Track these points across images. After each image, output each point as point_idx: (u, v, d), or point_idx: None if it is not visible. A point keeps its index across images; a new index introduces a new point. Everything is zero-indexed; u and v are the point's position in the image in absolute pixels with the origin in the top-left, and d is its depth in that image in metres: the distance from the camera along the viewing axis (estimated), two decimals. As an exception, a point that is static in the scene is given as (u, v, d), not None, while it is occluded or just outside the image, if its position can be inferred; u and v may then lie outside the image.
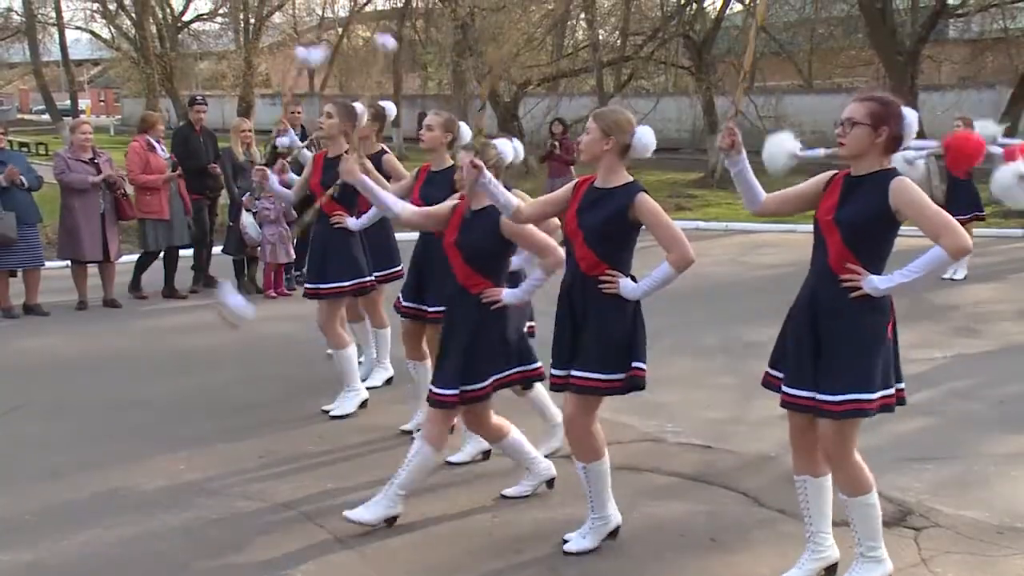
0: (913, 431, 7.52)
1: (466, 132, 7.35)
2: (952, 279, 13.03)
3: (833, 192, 4.92)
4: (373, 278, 7.93)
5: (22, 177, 11.36)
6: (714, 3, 29.01)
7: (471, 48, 29.85)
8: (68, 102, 48.37)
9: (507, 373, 5.82)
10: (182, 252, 12.72)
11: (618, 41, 29.60)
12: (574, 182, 5.59)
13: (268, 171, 8.15)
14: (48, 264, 12.23)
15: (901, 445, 7.21)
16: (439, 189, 7.02)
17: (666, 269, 5.13)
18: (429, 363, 7.04)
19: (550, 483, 6.25)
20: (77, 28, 46.56)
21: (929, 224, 4.66)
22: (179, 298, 12.58)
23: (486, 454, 6.96)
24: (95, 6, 43.05)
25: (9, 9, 46.28)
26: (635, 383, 5.32)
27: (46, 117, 49.22)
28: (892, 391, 4.82)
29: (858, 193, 4.80)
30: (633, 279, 5.25)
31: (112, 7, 41.97)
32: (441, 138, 7.37)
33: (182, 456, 7.01)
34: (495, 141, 6.06)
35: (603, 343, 5.24)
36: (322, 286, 7.72)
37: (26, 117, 54.08)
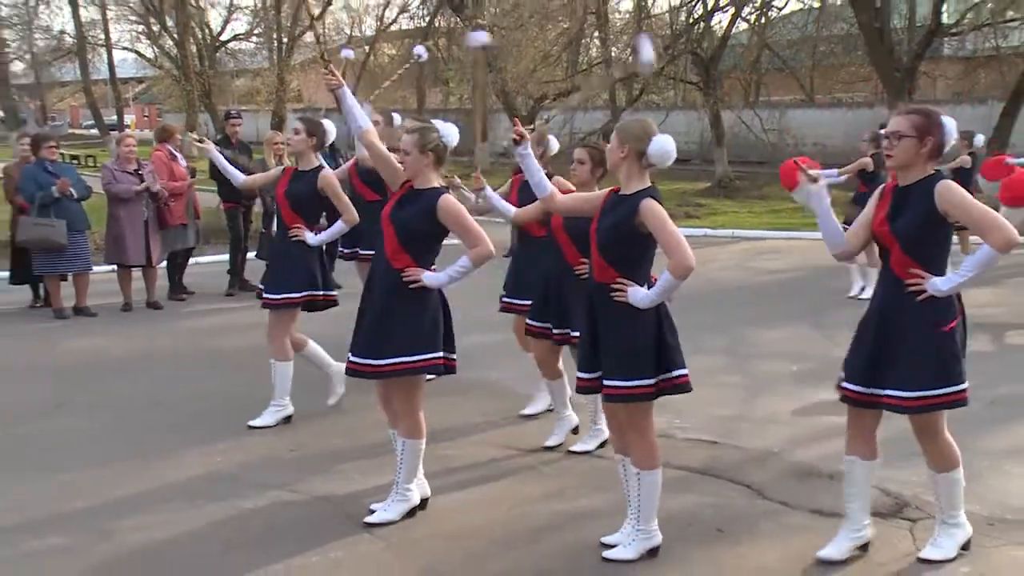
0: (910, 427, 7.49)
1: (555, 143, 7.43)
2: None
3: (884, 204, 5.00)
4: (322, 294, 7.56)
5: (72, 188, 11.46)
6: (720, 22, 28.96)
7: (491, 64, 29.91)
8: (115, 117, 48.82)
9: (412, 359, 5.60)
10: (217, 257, 12.81)
11: (630, 58, 29.52)
12: (607, 190, 5.40)
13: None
14: (95, 268, 12.33)
15: (898, 441, 7.13)
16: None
17: (666, 277, 4.90)
18: (564, 380, 7.03)
19: (423, 503, 5.91)
20: (124, 49, 47.36)
21: (976, 223, 4.80)
22: (181, 300, 12.77)
23: (575, 430, 7.13)
24: (140, 28, 44.27)
25: (62, 32, 47.70)
26: (672, 391, 5.20)
27: (95, 131, 49.51)
28: (963, 387, 4.95)
29: (908, 202, 4.89)
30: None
31: (156, 28, 42.88)
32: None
33: (219, 449, 7.05)
34: (437, 123, 5.86)
35: (621, 351, 5.05)
36: (273, 297, 7.43)
37: (76, 132, 54.29)
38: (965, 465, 6.58)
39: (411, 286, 5.57)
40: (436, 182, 5.70)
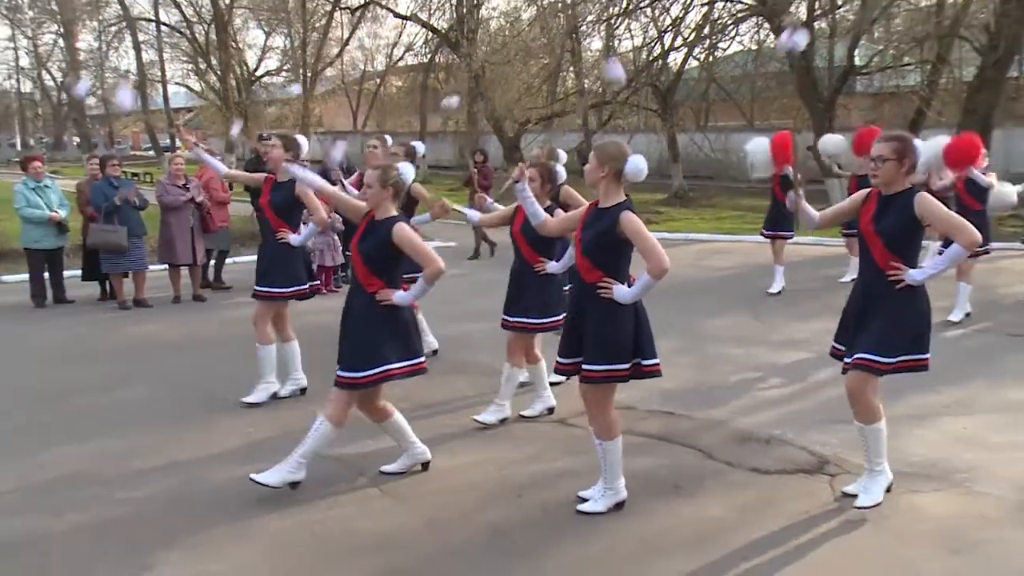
0: (830, 398, 7.51)
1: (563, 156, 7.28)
2: (844, 281, 12.99)
3: (870, 207, 5.19)
4: (308, 286, 7.49)
5: (135, 197, 11.70)
6: (675, 60, 29.02)
7: (482, 94, 29.91)
8: (168, 140, 49.05)
9: (397, 366, 5.51)
10: (251, 257, 12.81)
11: (600, 89, 29.56)
12: (587, 204, 5.42)
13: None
14: (150, 267, 12.42)
15: (821, 409, 7.22)
16: (284, 194, 7.18)
17: (645, 277, 4.92)
18: (543, 365, 7.05)
19: (424, 465, 5.92)
20: (176, 83, 48.25)
21: (946, 226, 5.06)
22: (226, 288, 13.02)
23: (550, 410, 7.10)
24: (190, 66, 45.22)
25: (127, 71, 48.91)
26: (644, 376, 5.17)
27: (151, 153, 50.23)
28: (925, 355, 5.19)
29: (891, 208, 5.08)
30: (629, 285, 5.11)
31: (202, 67, 43.53)
32: (284, 156, 7.14)
33: (251, 420, 7.06)
34: (399, 165, 5.86)
35: (603, 340, 5.03)
36: (265, 290, 7.35)
37: (137, 153, 54.75)
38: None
39: (382, 304, 5.47)
40: (392, 212, 5.60)
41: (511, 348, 6.95)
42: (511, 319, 6.89)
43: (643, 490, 5.56)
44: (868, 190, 5.29)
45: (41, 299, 11.82)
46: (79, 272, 12.38)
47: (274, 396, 7.52)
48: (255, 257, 8.19)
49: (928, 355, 5.21)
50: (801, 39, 5.69)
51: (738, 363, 8.65)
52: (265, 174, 7.62)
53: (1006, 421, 6.93)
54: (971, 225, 5.06)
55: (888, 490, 5.29)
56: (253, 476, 5.41)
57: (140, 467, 6.13)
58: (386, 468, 5.87)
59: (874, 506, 5.18)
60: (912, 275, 5.02)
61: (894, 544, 4.88)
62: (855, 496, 5.29)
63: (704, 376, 8.20)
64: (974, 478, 5.73)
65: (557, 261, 6.72)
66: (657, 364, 5.19)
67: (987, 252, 10.27)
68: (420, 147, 8.68)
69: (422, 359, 5.66)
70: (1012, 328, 9.99)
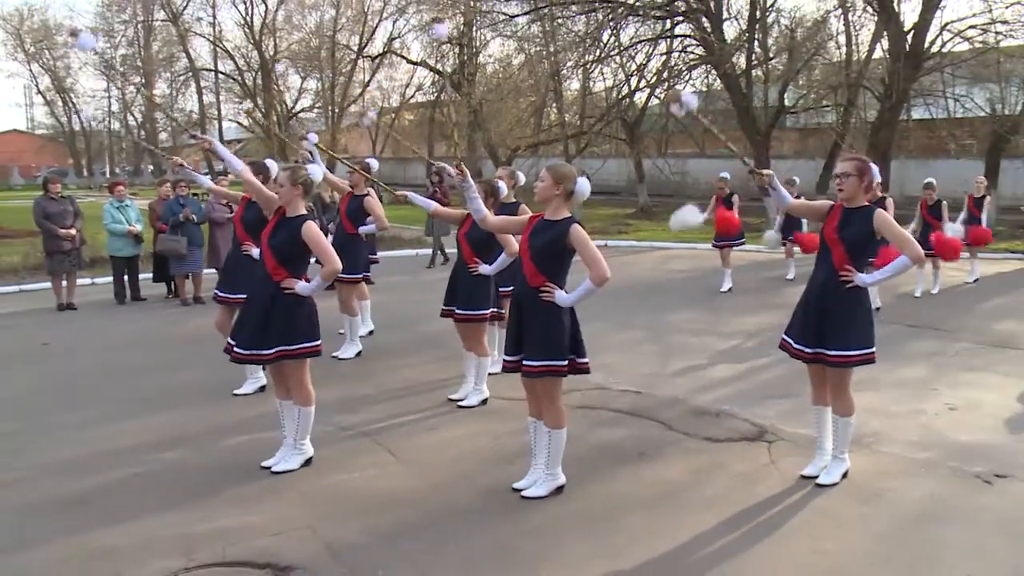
0: (770, 378, 7.53)
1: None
2: (788, 279, 13.02)
3: (834, 217, 5.04)
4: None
5: (192, 215, 11.81)
6: (641, 98, 29.04)
7: (480, 126, 29.88)
8: (221, 167, 49.48)
9: (295, 347, 5.21)
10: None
11: (578, 121, 29.53)
12: (530, 215, 5.10)
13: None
14: (207, 271, 12.36)
15: (763, 387, 7.21)
16: (255, 215, 6.70)
17: (587, 284, 4.64)
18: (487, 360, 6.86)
19: (307, 461, 5.42)
20: (228, 120, 49.13)
21: (898, 240, 4.93)
22: None
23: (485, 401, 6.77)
24: (240, 106, 46.55)
25: (191, 111, 50.89)
26: (580, 371, 4.85)
27: (209, 176, 51.08)
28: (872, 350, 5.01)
29: (852, 220, 4.96)
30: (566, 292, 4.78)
31: (250, 106, 44.70)
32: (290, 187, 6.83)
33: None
34: (308, 166, 5.52)
35: (544, 338, 4.71)
36: (230, 296, 7.04)
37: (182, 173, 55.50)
38: (802, 404, 6.62)
39: (286, 292, 5.16)
40: (302, 210, 5.27)
41: (465, 337, 6.77)
42: (448, 308, 6.74)
43: (614, 457, 5.54)
44: (832, 203, 5.15)
45: (122, 297, 11.87)
46: (151, 275, 12.40)
47: (262, 389, 7.15)
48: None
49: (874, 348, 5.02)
50: (691, 101, 5.54)
51: (694, 350, 8.63)
52: (241, 195, 7.32)
53: (903, 394, 6.96)
54: (916, 243, 4.96)
55: (845, 475, 5.11)
56: (266, 462, 5.34)
57: (195, 433, 6.10)
58: (274, 466, 5.37)
59: (832, 484, 5.01)
60: (862, 278, 4.90)
61: (817, 496, 4.89)
62: (813, 477, 5.12)
63: (666, 361, 8.17)
64: (878, 441, 5.77)
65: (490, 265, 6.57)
66: (587, 362, 4.87)
67: None
68: (374, 163, 8.43)
69: (318, 343, 5.31)
70: (910, 320, 10.01)
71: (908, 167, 25.94)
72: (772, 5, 25.70)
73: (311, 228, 5.18)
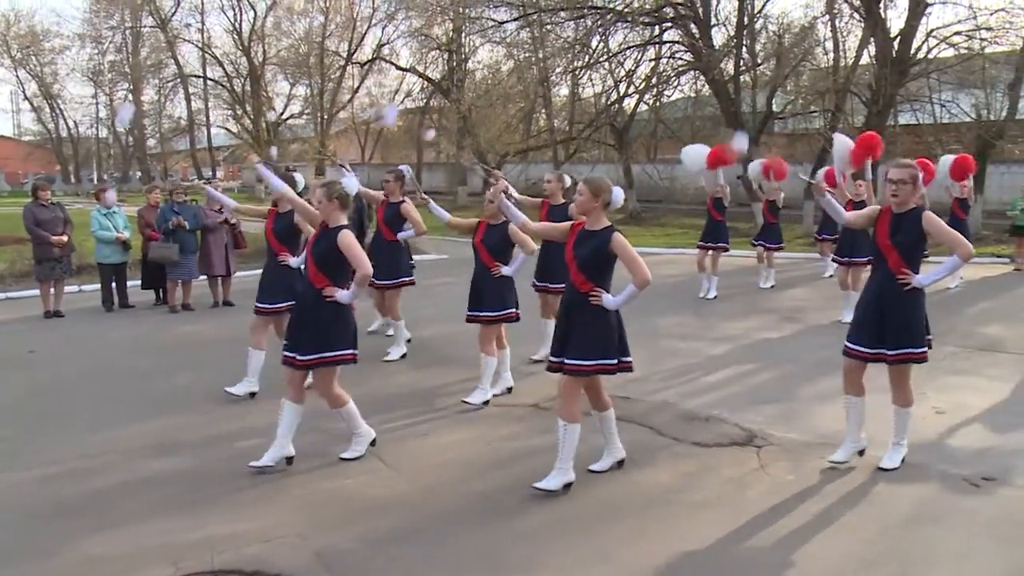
0: (759, 382, 7.57)
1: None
2: (761, 287, 13.06)
3: (884, 223, 5.23)
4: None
5: (185, 223, 11.67)
6: (629, 104, 29.14)
7: (469, 132, 29.91)
8: (210, 173, 49.53)
9: (331, 354, 5.37)
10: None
11: (567, 126, 29.63)
12: (571, 223, 5.25)
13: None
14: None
15: (751, 392, 7.23)
16: (284, 225, 7.00)
17: (631, 288, 4.89)
18: (507, 351, 7.14)
19: (372, 442, 5.74)
20: (218, 126, 49.46)
21: (948, 240, 5.11)
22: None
23: (509, 389, 7.14)
24: (229, 112, 46.33)
25: (179, 117, 50.94)
26: (624, 370, 5.09)
27: (196, 182, 51.07)
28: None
29: (903, 225, 5.14)
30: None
31: (239, 111, 44.68)
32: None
33: (276, 404, 6.91)
34: (342, 180, 5.81)
35: (596, 339, 4.95)
36: (269, 306, 7.09)
37: (185, 182, 55.35)
38: (791, 409, 6.70)
39: (328, 299, 5.33)
40: (342, 220, 5.44)
41: (482, 340, 6.90)
42: (475, 313, 6.89)
43: (605, 461, 5.54)
44: (879, 208, 5.31)
45: (110, 304, 11.81)
46: (139, 282, 12.30)
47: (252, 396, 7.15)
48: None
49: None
50: (742, 141, 5.78)
51: (683, 355, 8.65)
52: (268, 208, 7.41)
53: (889, 399, 6.96)
54: (968, 242, 5.16)
55: (903, 460, 5.38)
56: (252, 463, 5.35)
57: (185, 440, 6.07)
58: (345, 455, 5.63)
59: (894, 469, 5.28)
60: (919, 279, 5.10)
61: (806, 499, 4.91)
62: (841, 463, 5.36)
63: (655, 366, 8.18)
64: (869, 445, 5.72)
65: (510, 267, 6.85)
66: (631, 361, 5.12)
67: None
68: (406, 170, 8.75)
69: (351, 351, 5.46)
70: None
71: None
72: (760, 11, 25.85)
73: (345, 236, 5.35)
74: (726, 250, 12.68)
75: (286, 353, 5.46)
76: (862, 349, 5.27)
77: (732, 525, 4.58)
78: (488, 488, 5.15)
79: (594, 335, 4.96)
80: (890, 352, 5.17)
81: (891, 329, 5.15)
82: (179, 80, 47.29)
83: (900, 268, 5.11)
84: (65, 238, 11.25)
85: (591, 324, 4.96)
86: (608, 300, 4.97)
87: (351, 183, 6.01)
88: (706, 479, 5.26)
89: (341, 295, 5.36)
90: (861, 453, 5.48)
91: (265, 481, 5.29)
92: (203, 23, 45.80)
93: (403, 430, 6.25)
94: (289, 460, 5.50)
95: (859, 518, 4.66)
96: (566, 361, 4.99)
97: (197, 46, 45.97)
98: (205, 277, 12.16)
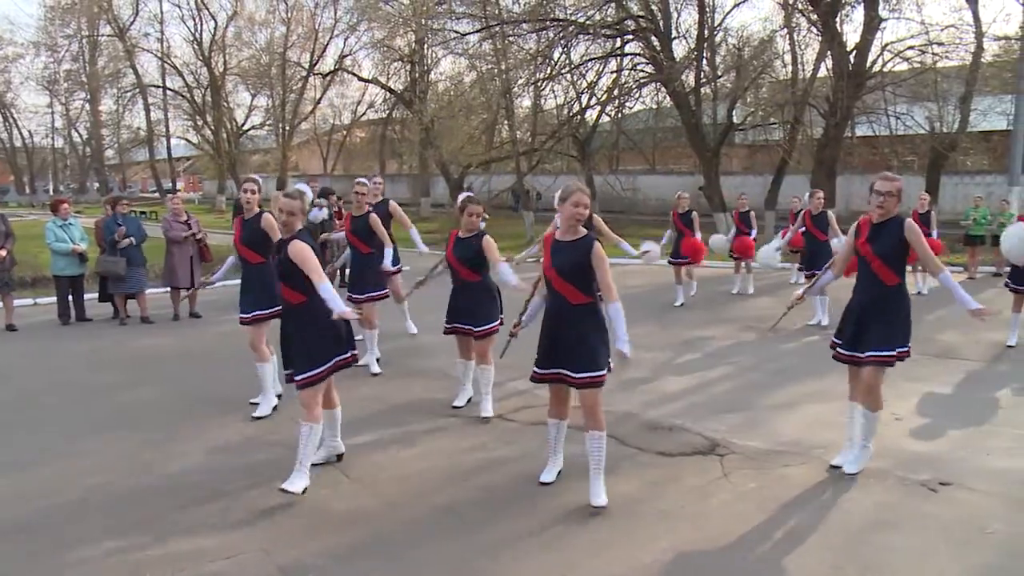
0: (721, 391, 7.62)
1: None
2: (735, 293, 13.20)
3: (862, 234, 5.34)
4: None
5: (130, 238, 11.55)
6: (591, 116, 29.35)
7: (432, 143, 29.88)
8: (170, 183, 48.90)
9: (342, 357, 5.33)
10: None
11: (530, 138, 29.72)
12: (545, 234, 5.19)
13: None
14: (157, 290, 12.44)
15: (714, 401, 7.29)
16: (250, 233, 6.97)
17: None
18: (473, 364, 6.96)
19: (339, 457, 5.76)
20: (178, 137, 48.95)
21: (922, 255, 5.29)
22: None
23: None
24: (189, 123, 45.80)
25: (138, 128, 50.01)
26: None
27: (156, 194, 50.34)
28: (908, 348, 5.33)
29: (883, 233, 5.26)
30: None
31: (199, 123, 44.33)
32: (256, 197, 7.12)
33: (240, 417, 6.87)
34: (300, 186, 5.64)
35: (594, 352, 4.96)
36: (250, 314, 6.93)
37: (145, 195, 54.53)
38: (753, 417, 6.76)
39: (302, 312, 5.19)
40: (298, 226, 5.28)
41: (479, 352, 6.77)
42: (449, 325, 6.80)
43: (570, 473, 5.54)
44: (857, 223, 5.44)
45: (66, 318, 11.61)
46: (97, 295, 12.10)
47: (275, 409, 7.05)
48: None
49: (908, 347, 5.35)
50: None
51: (647, 365, 8.68)
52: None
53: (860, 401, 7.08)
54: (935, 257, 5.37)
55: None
56: (282, 486, 5.08)
57: (146, 456, 5.97)
58: (316, 460, 5.48)
59: (857, 473, 5.39)
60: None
61: (769, 507, 4.95)
62: (839, 467, 5.51)
63: (619, 376, 8.18)
64: (829, 452, 5.84)
65: (481, 277, 6.70)
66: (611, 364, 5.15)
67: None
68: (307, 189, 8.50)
69: (353, 352, 5.40)
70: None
71: (853, 182, 26.66)
72: (720, 24, 26.24)
73: (299, 247, 5.16)
74: (698, 263, 12.88)
75: (286, 372, 5.35)
76: (843, 352, 5.44)
77: (696, 534, 4.61)
78: (452, 501, 5.13)
79: (593, 347, 4.96)
80: (862, 355, 5.29)
81: (868, 333, 5.26)
82: (138, 90, 46.64)
83: (882, 272, 5.25)
84: (3, 252, 10.95)
85: (591, 337, 4.97)
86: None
87: (317, 215, 6.00)
88: (670, 488, 5.29)
89: (337, 308, 5.01)
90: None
91: (228, 496, 5.22)
92: (162, 33, 45.09)
93: (364, 443, 6.21)
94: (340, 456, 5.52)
95: (821, 525, 4.71)
96: (572, 374, 4.96)
97: (156, 56, 45.41)
98: (169, 288, 12.06)
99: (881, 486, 5.27)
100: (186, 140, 47.87)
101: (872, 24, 21.85)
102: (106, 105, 50.46)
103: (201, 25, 43.88)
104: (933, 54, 22.26)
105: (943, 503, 5.00)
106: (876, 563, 4.26)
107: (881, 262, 5.25)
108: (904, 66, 23.14)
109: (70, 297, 11.68)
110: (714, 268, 16.32)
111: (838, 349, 5.50)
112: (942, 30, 22.14)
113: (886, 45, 22.63)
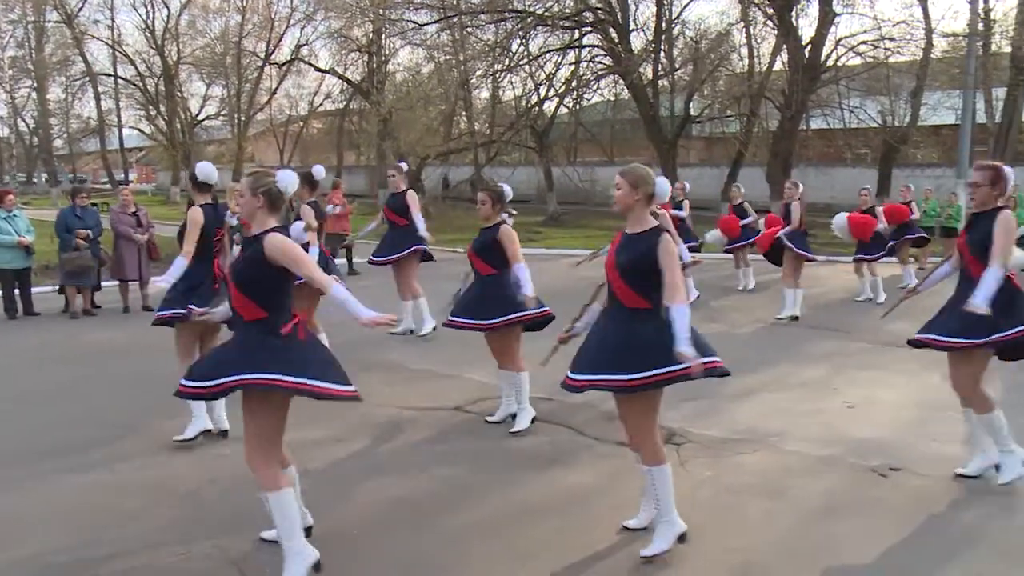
0: (683, 384, 7.65)
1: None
2: (740, 289, 13.33)
3: (967, 226, 5.07)
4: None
5: (89, 233, 11.41)
6: (550, 107, 29.38)
7: (390, 134, 29.72)
8: (122, 175, 47.95)
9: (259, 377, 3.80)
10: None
11: (488, 129, 29.70)
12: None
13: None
14: (107, 283, 12.17)
15: (671, 390, 7.21)
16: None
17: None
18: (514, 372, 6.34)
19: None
20: (130, 127, 47.60)
21: (994, 247, 4.82)
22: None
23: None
24: (142, 112, 44.89)
25: (88, 117, 48.65)
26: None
27: (108, 185, 49.21)
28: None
29: (979, 223, 4.93)
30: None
31: (152, 112, 43.47)
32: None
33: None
34: (280, 172, 4.14)
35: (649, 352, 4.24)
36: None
37: (95, 186, 53.32)
38: (710, 406, 6.82)
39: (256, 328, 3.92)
40: (270, 223, 3.99)
41: (509, 354, 6.32)
42: (472, 322, 6.28)
43: (526, 464, 5.57)
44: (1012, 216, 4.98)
45: (13, 311, 11.32)
46: (45, 289, 11.90)
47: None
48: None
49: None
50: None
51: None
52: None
53: (805, 394, 7.25)
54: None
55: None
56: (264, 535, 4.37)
57: (96, 452, 5.83)
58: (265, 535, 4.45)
59: (1014, 480, 5.00)
60: (975, 303, 4.72)
61: (726, 495, 5.02)
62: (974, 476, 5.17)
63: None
64: (783, 440, 5.95)
65: (498, 271, 6.26)
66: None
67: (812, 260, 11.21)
68: (320, 171, 8.52)
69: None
70: (811, 322, 10.44)
71: (808, 174, 26.98)
72: (677, 17, 26.44)
73: (273, 239, 3.91)
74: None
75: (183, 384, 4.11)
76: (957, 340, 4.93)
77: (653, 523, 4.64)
78: (408, 492, 5.12)
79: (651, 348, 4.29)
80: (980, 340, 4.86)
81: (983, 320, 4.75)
82: (88, 78, 45.59)
83: (974, 266, 4.89)
84: None
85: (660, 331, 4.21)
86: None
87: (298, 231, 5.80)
88: (627, 478, 5.30)
89: (367, 315, 3.90)
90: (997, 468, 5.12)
91: (179, 492, 5.15)
92: (113, 20, 44.14)
93: (317, 438, 6.15)
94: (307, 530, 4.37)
95: (775, 511, 4.79)
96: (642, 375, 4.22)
97: (107, 43, 44.44)
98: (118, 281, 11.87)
99: (834, 473, 5.37)
100: (139, 130, 47.00)
101: (826, 18, 22.17)
102: (54, 93, 49.09)
103: (153, 12, 43.03)
104: (885, 49, 22.68)
105: (893, 488, 5.11)
106: (827, 547, 4.34)
107: (970, 253, 4.94)
108: (857, 60, 23.54)
109: (17, 291, 11.38)
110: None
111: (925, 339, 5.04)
112: (894, 26, 22.56)
113: (840, 39, 22.99)
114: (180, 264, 5.94)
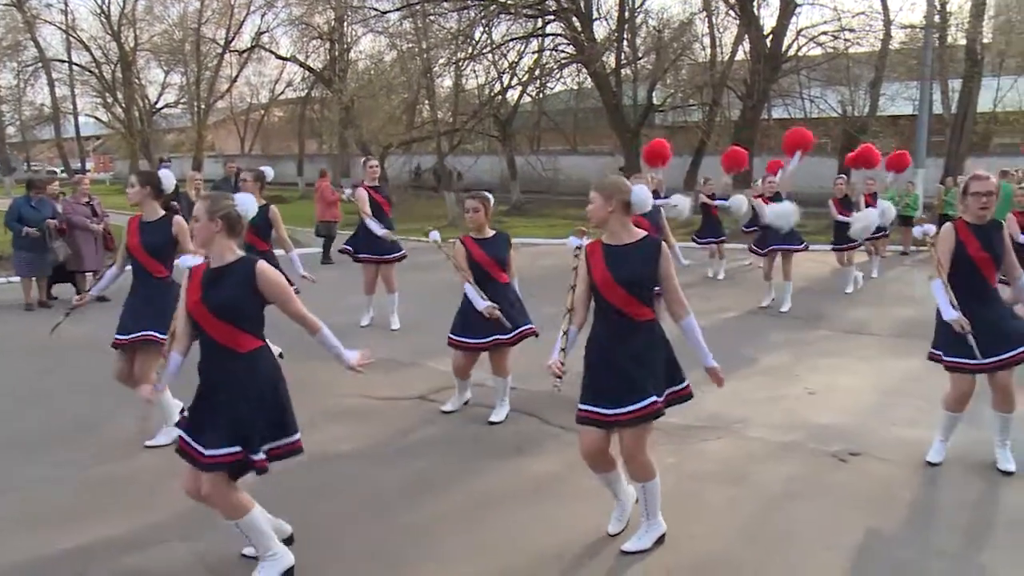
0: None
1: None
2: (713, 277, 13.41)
3: (969, 237, 4.98)
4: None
5: (53, 232, 11.19)
6: (513, 95, 29.33)
7: (352, 123, 29.51)
8: (79, 164, 46.94)
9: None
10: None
11: (451, 118, 29.57)
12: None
13: None
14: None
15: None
16: (153, 236, 5.68)
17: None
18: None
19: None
20: (86, 115, 46.50)
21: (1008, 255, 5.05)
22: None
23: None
24: (98, 100, 43.66)
25: (42, 104, 46.89)
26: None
27: (64, 175, 48.05)
28: None
29: (992, 236, 4.98)
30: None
31: (109, 100, 42.46)
32: (142, 192, 5.67)
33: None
34: (238, 196, 3.90)
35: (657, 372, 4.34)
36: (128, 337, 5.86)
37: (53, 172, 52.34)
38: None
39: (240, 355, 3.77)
40: (238, 251, 3.85)
41: (499, 363, 6.44)
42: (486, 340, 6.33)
43: (491, 452, 5.58)
44: (952, 225, 5.06)
45: (-35, 304, 11.12)
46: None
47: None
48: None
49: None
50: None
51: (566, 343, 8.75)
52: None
53: (767, 381, 7.33)
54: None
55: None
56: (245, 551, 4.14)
57: (56, 447, 5.74)
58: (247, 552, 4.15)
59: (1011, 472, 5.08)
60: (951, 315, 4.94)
61: (688, 482, 5.07)
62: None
63: (539, 356, 8.19)
64: (745, 426, 6.04)
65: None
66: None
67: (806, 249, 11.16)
68: (270, 172, 8.22)
69: (296, 438, 4.02)
70: (773, 310, 10.54)
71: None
72: (640, 6, 26.53)
73: (263, 269, 3.83)
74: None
75: (183, 439, 3.88)
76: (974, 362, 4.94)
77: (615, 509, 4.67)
78: (369, 484, 5.11)
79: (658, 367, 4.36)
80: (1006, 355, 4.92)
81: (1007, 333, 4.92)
82: (40, 64, 44.60)
83: (992, 278, 5.00)
84: None
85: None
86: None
87: (168, 178, 5.66)
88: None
89: (350, 359, 4.08)
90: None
91: (145, 486, 5.10)
92: (66, 3, 43.15)
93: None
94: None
95: (737, 497, 4.85)
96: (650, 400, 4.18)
97: (61, 28, 43.44)
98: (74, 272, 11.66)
99: (795, 458, 5.45)
100: (95, 118, 45.92)
101: (788, 9, 22.39)
102: (5, 79, 47.88)
103: (109, -2, 42.20)
104: (845, 40, 22.96)
105: (853, 473, 5.20)
106: (788, 531, 4.40)
107: (994, 267, 5.00)
108: (818, 51, 23.79)
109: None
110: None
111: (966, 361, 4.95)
112: (853, 17, 22.89)
113: (801, 30, 23.25)
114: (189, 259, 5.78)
